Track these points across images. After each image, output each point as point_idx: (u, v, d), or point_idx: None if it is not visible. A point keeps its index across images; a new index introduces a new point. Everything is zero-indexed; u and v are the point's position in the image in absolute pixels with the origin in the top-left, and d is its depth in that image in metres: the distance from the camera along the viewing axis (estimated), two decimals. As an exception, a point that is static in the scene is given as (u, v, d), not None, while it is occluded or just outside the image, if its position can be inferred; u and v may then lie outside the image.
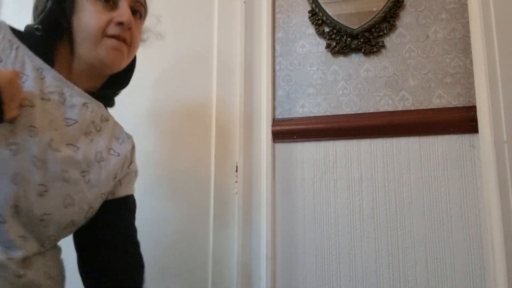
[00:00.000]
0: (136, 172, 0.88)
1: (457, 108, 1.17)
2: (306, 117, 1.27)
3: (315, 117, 1.27)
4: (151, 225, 1.27)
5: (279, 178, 1.27)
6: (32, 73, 0.69)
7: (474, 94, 1.14)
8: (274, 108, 1.31)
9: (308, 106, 1.28)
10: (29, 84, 0.67)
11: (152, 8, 0.86)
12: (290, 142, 1.28)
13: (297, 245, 1.22)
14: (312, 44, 1.31)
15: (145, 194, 1.30)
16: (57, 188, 0.67)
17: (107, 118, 0.81)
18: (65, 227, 0.71)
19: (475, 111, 1.13)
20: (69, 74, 0.75)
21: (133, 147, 0.87)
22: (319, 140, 1.25)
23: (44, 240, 0.69)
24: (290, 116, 1.29)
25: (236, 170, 1.27)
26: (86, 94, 0.76)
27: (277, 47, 1.34)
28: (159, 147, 1.32)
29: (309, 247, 1.21)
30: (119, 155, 0.80)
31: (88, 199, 0.72)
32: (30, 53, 0.70)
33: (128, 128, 0.91)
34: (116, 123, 0.85)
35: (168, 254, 1.25)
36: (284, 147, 1.28)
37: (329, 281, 1.18)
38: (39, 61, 0.70)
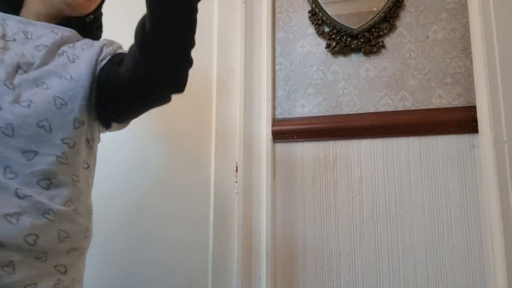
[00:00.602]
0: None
1: (457, 108, 1.17)
2: (306, 117, 1.27)
3: (315, 117, 1.27)
4: (151, 224, 1.27)
5: (279, 178, 1.27)
6: None
7: (474, 94, 1.14)
8: (274, 108, 1.31)
9: (308, 106, 1.28)
10: None
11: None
12: (290, 142, 1.28)
13: (297, 245, 1.22)
14: (312, 44, 1.31)
15: (145, 194, 1.30)
16: (39, 95, 0.70)
17: (79, 39, 0.83)
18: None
19: (475, 111, 1.13)
20: (38, 19, 0.81)
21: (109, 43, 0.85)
22: (319, 140, 1.25)
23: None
24: (290, 116, 1.29)
25: (236, 170, 1.27)
26: (53, 24, 0.81)
27: (277, 47, 1.34)
28: (159, 147, 1.32)
29: (309, 247, 1.21)
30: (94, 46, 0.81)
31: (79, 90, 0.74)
32: None
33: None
34: (96, 41, 0.85)
35: (168, 254, 1.25)
36: (284, 147, 1.28)
37: (329, 281, 1.18)
38: (1, 15, 0.78)
